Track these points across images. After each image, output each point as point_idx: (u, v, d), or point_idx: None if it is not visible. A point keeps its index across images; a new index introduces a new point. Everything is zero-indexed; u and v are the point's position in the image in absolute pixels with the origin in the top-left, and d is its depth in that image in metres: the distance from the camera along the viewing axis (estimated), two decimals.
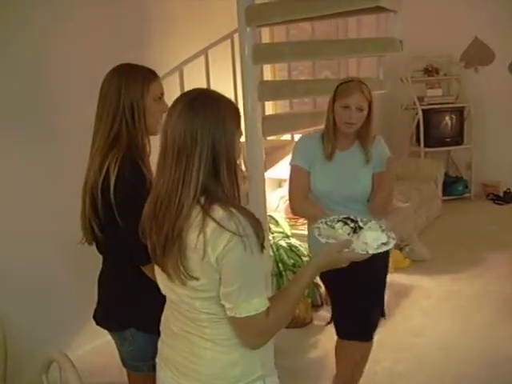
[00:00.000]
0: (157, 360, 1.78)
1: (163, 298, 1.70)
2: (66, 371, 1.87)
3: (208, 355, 1.59)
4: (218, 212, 1.46)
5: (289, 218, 4.62)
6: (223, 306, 1.50)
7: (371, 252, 1.58)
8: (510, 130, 7.04)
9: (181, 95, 1.59)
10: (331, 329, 2.90)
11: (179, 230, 1.48)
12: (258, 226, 1.49)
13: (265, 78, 4.11)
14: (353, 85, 2.58)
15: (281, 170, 4.29)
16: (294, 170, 2.73)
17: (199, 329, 1.59)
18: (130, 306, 1.88)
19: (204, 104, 1.52)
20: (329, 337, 3.05)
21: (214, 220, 1.45)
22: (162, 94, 2.17)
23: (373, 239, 1.60)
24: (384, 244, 1.61)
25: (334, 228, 1.64)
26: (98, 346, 3.53)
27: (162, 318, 1.75)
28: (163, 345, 1.75)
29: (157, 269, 1.63)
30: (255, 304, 1.48)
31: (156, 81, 2.15)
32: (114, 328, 2.18)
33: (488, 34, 6.88)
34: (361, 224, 1.67)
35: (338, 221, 1.67)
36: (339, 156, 2.69)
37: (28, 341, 3.23)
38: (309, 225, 2.81)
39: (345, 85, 2.59)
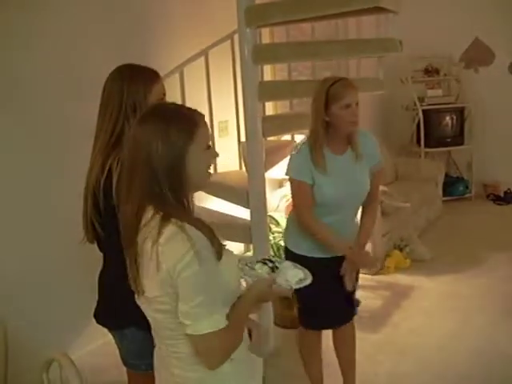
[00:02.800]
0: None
1: None
2: (66, 370, 1.87)
3: (176, 372, 1.59)
4: (170, 227, 1.45)
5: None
6: (181, 322, 1.48)
7: (294, 287, 1.81)
8: (511, 130, 7.03)
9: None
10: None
11: (129, 242, 1.52)
12: (212, 234, 1.50)
13: (265, 79, 4.11)
14: (343, 83, 2.57)
15: (281, 170, 4.29)
16: (298, 185, 2.69)
17: (165, 347, 1.60)
18: (130, 305, 1.88)
19: (149, 119, 1.53)
20: (326, 336, 3.05)
21: (168, 231, 1.45)
22: (165, 94, 2.18)
23: (292, 276, 1.81)
24: (302, 280, 1.83)
25: (254, 269, 1.74)
26: (98, 347, 3.54)
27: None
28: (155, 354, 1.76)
29: None
30: (215, 320, 1.46)
31: (159, 82, 2.16)
32: (114, 326, 2.19)
33: (488, 34, 6.88)
34: (277, 264, 1.82)
35: (257, 262, 1.78)
36: (338, 161, 2.67)
37: (29, 341, 3.23)
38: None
39: (335, 86, 2.55)
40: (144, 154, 1.47)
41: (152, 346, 1.80)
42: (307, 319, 2.93)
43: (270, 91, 3.28)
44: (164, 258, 1.43)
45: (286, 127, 3.56)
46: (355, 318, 2.99)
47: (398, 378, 3.36)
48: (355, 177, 2.69)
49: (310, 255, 2.72)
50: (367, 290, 4.50)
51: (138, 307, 1.80)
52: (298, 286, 1.82)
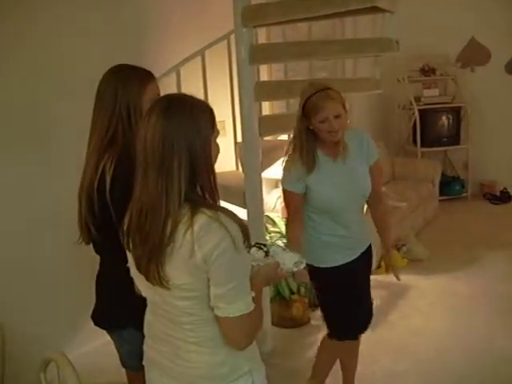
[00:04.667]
0: (144, 362, 1.80)
1: None
2: (63, 370, 1.87)
3: (193, 358, 1.61)
4: (206, 213, 1.48)
5: (286, 218, 4.62)
6: (207, 307, 1.53)
7: (295, 269, 1.88)
8: (507, 130, 7.05)
9: (154, 103, 1.60)
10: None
11: (168, 240, 1.49)
12: (244, 226, 1.52)
13: (261, 79, 4.11)
14: (320, 96, 2.48)
15: (278, 170, 4.30)
16: (289, 196, 2.69)
17: (182, 331, 1.60)
18: (128, 306, 1.89)
19: (176, 111, 1.53)
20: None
21: (202, 219, 1.47)
22: (159, 94, 2.15)
23: (288, 260, 1.85)
24: (298, 263, 1.88)
25: (249, 253, 1.73)
26: (96, 347, 3.54)
27: (145, 322, 1.77)
28: (148, 348, 1.77)
29: (135, 272, 1.64)
30: (247, 303, 1.52)
31: (153, 82, 2.16)
32: (112, 328, 2.19)
33: (484, 34, 6.91)
34: (269, 248, 1.84)
35: (252, 246, 1.77)
36: (332, 163, 2.63)
37: (26, 341, 3.23)
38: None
39: (312, 99, 2.49)
40: (180, 146, 1.49)
41: None
42: (342, 330, 2.85)
43: (266, 91, 3.28)
44: (199, 244, 1.45)
45: (282, 127, 3.56)
46: None
47: (395, 376, 3.36)
48: (353, 176, 2.66)
49: (338, 264, 2.71)
50: None
51: (135, 308, 1.80)
52: (296, 269, 1.89)
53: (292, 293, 3.99)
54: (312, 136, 2.57)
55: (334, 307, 2.82)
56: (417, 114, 6.85)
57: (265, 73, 4.81)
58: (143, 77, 2.13)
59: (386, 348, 3.66)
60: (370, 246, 2.88)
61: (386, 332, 3.86)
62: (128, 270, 1.70)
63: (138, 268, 1.59)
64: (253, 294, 1.56)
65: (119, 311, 2.12)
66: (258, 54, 3.09)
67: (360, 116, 6.28)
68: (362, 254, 2.80)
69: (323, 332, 2.99)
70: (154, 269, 1.51)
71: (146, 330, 1.77)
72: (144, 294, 1.69)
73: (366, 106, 6.44)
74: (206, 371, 1.61)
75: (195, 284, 1.51)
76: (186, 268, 1.49)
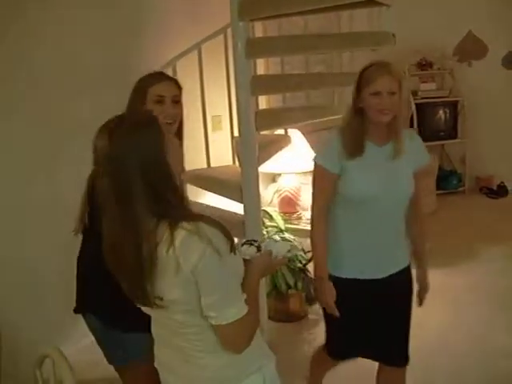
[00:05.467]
0: (155, 364, 1.80)
1: None
2: (59, 366, 1.87)
3: (202, 363, 1.62)
4: (185, 227, 1.46)
5: (283, 213, 4.62)
6: (204, 316, 1.52)
7: (289, 255, 1.88)
8: (504, 124, 7.05)
9: (102, 126, 1.64)
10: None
11: (149, 263, 1.47)
12: (225, 229, 1.51)
13: (258, 73, 4.10)
14: (378, 66, 2.28)
15: (275, 164, 4.30)
16: (320, 172, 2.39)
17: (189, 341, 1.60)
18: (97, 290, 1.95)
19: (117, 137, 1.50)
20: (323, 331, 3.05)
21: (182, 234, 1.45)
22: (161, 96, 2.25)
23: (281, 248, 1.86)
24: (290, 250, 1.89)
25: (240, 251, 1.75)
26: (91, 343, 3.52)
27: (152, 332, 1.77)
28: (158, 351, 1.78)
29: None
30: (239, 307, 1.52)
31: (155, 84, 2.25)
32: (79, 310, 2.30)
33: (481, 28, 6.90)
34: (260, 244, 1.83)
35: (243, 244, 1.79)
36: (377, 151, 2.36)
37: (22, 337, 3.23)
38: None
39: (370, 69, 2.28)
40: (131, 173, 1.45)
41: (141, 343, 1.83)
42: (335, 347, 2.66)
43: (263, 85, 3.27)
44: (184, 258, 1.45)
45: (279, 121, 3.55)
46: None
47: None
48: (396, 173, 2.37)
49: (351, 277, 2.43)
50: None
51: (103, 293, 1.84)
52: (290, 255, 1.88)
53: (289, 287, 3.98)
54: (361, 119, 2.32)
55: (333, 324, 2.57)
56: (414, 108, 6.85)
57: (262, 67, 4.79)
58: (146, 81, 2.30)
59: None
60: (407, 270, 2.55)
61: None
62: None
63: (133, 299, 1.59)
64: (244, 297, 1.55)
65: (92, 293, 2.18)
66: (255, 48, 3.07)
67: None
68: (393, 276, 2.47)
69: (320, 327, 2.98)
70: (145, 295, 1.51)
71: (154, 338, 1.77)
72: (144, 311, 1.69)
73: None
74: (215, 374, 1.62)
75: (187, 297, 1.50)
76: (176, 282, 1.48)
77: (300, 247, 4.01)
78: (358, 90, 2.31)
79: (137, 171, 1.45)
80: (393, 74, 2.26)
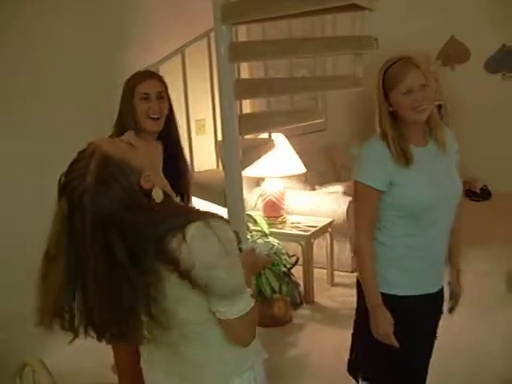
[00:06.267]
0: (141, 364, 1.74)
1: None
2: (39, 375, 1.84)
3: (200, 360, 1.59)
4: (194, 226, 1.39)
5: (267, 217, 4.62)
6: (208, 312, 1.49)
7: (272, 252, 1.98)
8: (486, 127, 7.11)
9: None
10: (311, 327, 2.90)
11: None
12: (231, 228, 1.49)
13: (242, 77, 4.09)
14: (402, 63, 2.09)
15: (258, 168, 4.29)
16: (363, 191, 2.15)
17: (186, 338, 1.55)
18: None
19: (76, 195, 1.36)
20: (308, 335, 3.05)
21: (192, 230, 1.39)
22: (146, 93, 2.43)
23: (263, 247, 1.87)
24: (272, 248, 1.84)
25: None
26: (76, 349, 3.49)
27: None
28: (148, 350, 1.70)
29: None
30: (247, 301, 1.52)
31: (140, 83, 2.45)
32: None
33: (464, 32, 6.96)
34: (241, 245, 1.79)
35: None
36: (422, 153, 2.16)
37: (2, 345, 3.18)
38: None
39: (393, 67, 2.10)
40: (111, 215, 1.35)
41: None
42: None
43: (246, 89, 3.26)
44: (194, 246, 1.37)
45: (263, 125, 3.55)
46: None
47: None
48: (447, 172, 2.20)
49: (400, 294, 2.20)
50: (349, 288, 4.52)
51: None
52: (273, 252, 1.86)
53: (273, 292, 3.97)
54: (397, 123, 2.13)
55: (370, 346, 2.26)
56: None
57: (245, 71, 4.79)
58: (134, 79, 2.49)
59: None
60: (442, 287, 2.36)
61: None
62: None
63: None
64: (251, 291, 1.55)
65: None
66: (238, 52, 3.07)
67: (339, 114, 6.29)
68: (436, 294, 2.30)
69: (305, 331, 2.98)
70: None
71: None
72: None
73: (347, 104, 6.45)
74: (212, 371, 1.60)
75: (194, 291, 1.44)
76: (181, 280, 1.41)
77: (284, 251, 4.01)
78: (385, 92, 2.12)
79: (115, 234, 1.35)
80: (420, 68, 2.09)
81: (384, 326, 2.13)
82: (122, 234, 1.35)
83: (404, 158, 2.08)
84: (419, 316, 2.22)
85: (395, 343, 2.12)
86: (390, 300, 2.16)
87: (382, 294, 2.16)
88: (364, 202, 2.16)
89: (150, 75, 2.55)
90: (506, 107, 7.11)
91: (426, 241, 2.17)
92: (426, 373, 2.36)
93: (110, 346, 2.47)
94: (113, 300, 1.37)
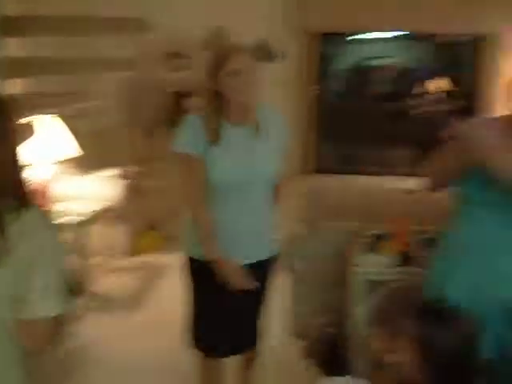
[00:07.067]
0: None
1: None
2: None
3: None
4: None
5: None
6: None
7: None
8: None
9: None
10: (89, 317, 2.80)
11: None
12: None
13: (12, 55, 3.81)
14: (231, 47, 2.24)
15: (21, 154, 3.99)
16: (187, 161, 2.25)
17: None
18: None
19: None
20: (87, 325, 2.97)
21: None
22: None
23: None
24: None
25: None
26: None
27: None
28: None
29: None
30: None
31: None
32: None
33: (230, 20, 7.18)
34: None
35: None
36: (236, 132, 2.27)
37: None
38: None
39: (222, 49, 2.25)
40: None
41: None
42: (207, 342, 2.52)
43: (16, 67, 3.07)
44: None
45: (31, 107, 3.35)
46: None
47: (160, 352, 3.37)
48: (258, 152, 2.29)
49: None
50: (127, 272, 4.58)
51: None
52: None
53: None
54: (219, 102, 2.21)
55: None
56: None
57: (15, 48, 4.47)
58: None
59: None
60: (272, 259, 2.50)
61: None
62: None
63: None
64: None
65: None
66: (8, 26, 2.87)
67: (113, 97, 6.18)
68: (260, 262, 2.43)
69: (84, 321, 2.89)
70: None
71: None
72: None
73: (119, 87, 6.32)
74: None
75: None
76: None
77: None
78: (214, 72, 2.21)
79: None
80: (248, 54, 2.22)
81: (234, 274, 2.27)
82: None
83: (214, 135, 2.20)
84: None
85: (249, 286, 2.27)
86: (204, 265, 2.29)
87: (197, 261, 2.34)
88: (188, 172, 2.25)
89: None
90: None
91: (234, 216, 2.29)
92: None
93: None
94: None
